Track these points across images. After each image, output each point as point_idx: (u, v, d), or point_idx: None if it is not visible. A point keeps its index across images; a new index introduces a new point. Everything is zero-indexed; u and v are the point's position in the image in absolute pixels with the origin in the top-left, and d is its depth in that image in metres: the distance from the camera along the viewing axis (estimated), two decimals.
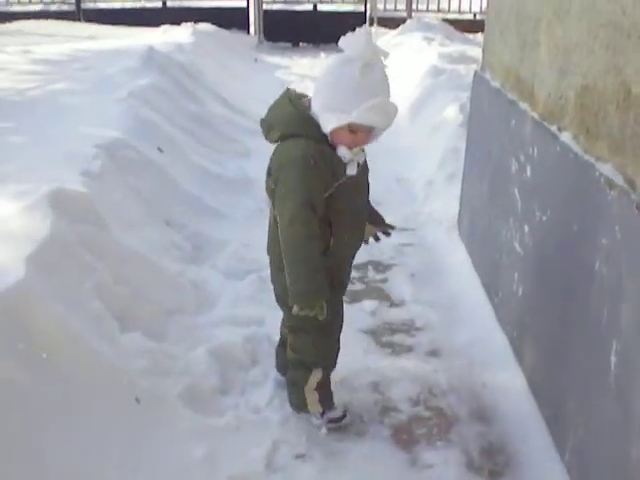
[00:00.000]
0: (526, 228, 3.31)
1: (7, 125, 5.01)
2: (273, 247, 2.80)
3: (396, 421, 3.10)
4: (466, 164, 4.82)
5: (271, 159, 2.70)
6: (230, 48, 12.76)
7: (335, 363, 3.05)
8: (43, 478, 2.28)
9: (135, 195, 4.43)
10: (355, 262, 3.04)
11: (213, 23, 13.29)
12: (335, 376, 3.11)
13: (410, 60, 9.92)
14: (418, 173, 6.15)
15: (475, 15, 15.35)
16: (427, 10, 15.85)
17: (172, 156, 5.37)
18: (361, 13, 15.46)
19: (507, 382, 3.34)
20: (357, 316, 3.80)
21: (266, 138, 2.72)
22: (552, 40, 3.10)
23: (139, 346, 3.10)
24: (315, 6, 15.61)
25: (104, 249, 3.45)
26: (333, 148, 2.60)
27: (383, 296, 4.17)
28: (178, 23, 12.42)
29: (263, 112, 2.73)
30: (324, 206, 2.62)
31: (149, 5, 15.30)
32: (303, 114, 2.60)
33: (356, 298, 4.07)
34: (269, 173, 2.70)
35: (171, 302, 3.68)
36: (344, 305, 3.02)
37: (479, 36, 12.36)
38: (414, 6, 15.53)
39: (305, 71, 11.80)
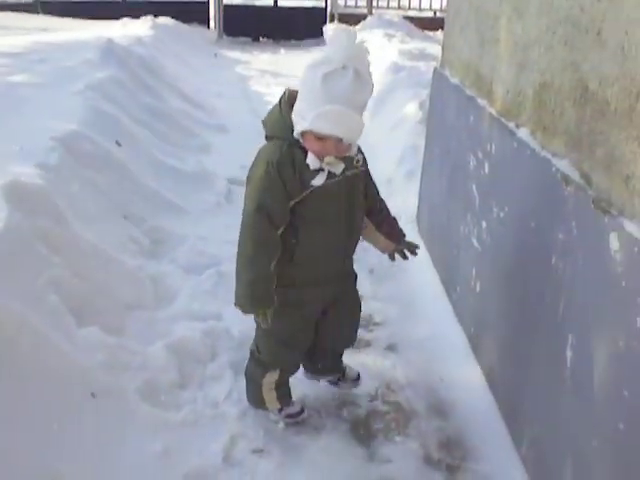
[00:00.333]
0: (484, 224, 3.33)
1: None
2: None
3: (354, 416, 3.11)
4: (425, 161, 4.84)
5: None
6: (190, 42, 12.73)
7: (296, 369, 3.05)
8: None
9: (93, 189, 4.37)
10: None
11: (173, 17, 13.27)
12: None
13: (370, 57, 9.91)
14: (378, 170, 6.09)
15: (435, 12, 15.56)
16: (388, 7, 15.99)
17: (131, 150, 5.31)
18: (322, 9, 15.52)
19: (465, 377, 3.36)
20: None
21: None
22: (511, 37, 3.13)
23: (97, 341, 3.06)
24: (276, 1, 15.65)
25: (61, 243, 3.39)
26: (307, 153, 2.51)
27: None
28: (138, 17, 12.36)
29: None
30: (288, 213, 2.55)
31: None
32: (282, 116, 2.53)
33: None
34: None
35: (129, 297, 3.64)
36: None
37: (439, 33, 12.48)
38: (375, 3, 15.63)
39: (265, 66, 11.79)
